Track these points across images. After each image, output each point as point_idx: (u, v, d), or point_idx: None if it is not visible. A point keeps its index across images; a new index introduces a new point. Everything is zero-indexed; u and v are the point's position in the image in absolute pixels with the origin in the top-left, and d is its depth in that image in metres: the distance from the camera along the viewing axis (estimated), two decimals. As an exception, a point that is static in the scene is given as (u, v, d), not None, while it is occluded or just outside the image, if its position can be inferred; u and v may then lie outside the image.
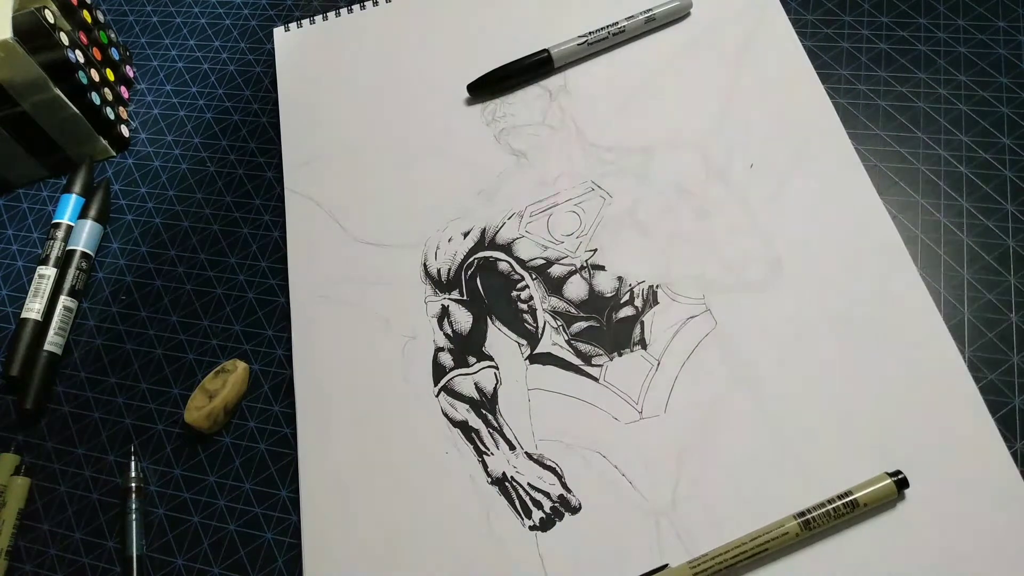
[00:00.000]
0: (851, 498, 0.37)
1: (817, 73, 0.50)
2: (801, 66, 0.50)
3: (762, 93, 0.50)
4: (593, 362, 0.43)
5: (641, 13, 0.51)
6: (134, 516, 0.44)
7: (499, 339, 0.45)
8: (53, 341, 0.50)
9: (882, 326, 0.41)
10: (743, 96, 0.50)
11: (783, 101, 0.49)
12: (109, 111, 0.57)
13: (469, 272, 0.47)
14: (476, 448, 0.42)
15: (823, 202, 0.46)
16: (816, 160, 0.47)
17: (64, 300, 0.51)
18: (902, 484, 0.37)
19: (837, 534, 0.37)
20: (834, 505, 0.37)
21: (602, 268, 0.46)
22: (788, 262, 0.44)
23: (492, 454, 0.42)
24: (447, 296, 0.47)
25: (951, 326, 0.41)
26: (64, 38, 0.53)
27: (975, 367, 0.41)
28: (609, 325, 0.44)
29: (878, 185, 0.46)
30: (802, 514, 0.37)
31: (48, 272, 0.52)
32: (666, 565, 0.37)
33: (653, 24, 0.49)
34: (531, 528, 0.40)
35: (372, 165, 0.52)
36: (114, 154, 0.58)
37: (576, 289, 0.46)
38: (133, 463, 0.46)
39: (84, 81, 0.54)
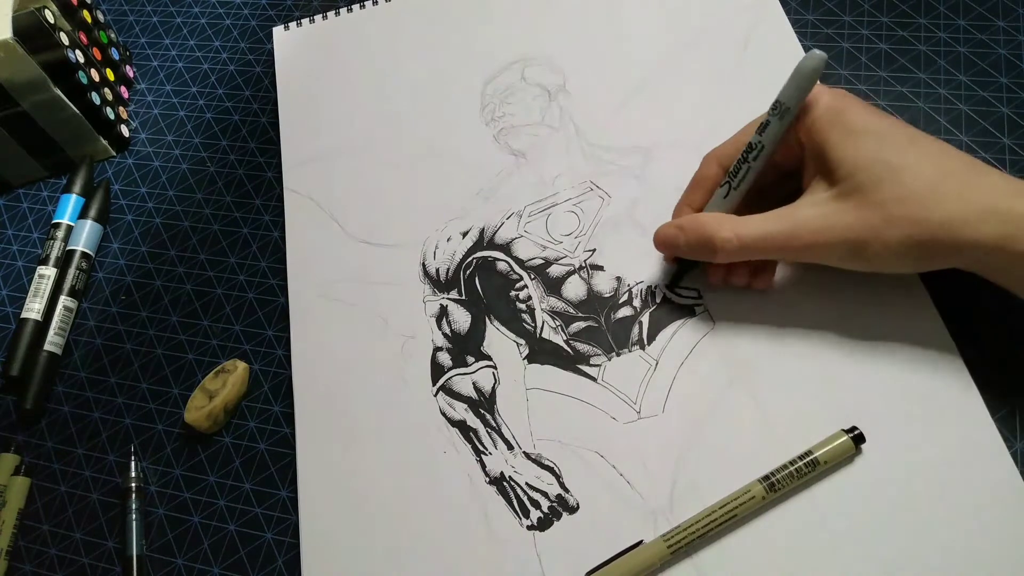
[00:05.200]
0: (811, 457, 0.38)
1: (816, 73, 0.50)
2: (800, 66, 0.50)
3: (761, 93, 0.50)
4: (591, 362, 0.43)
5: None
6: (134, 516, 0.45)
7: (498, 339, 0.45)
8: (53, 341, 0.50)
9: (881, 326, 0.41)
10: (742, 96, 0.50)
11: (782, 101, 0.49)
12: (109, 111, 0.57)
13: (468, 272, 0.47)
14: (474, 448, 0.42)
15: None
16: (815, 160, 0.47)
17: (64, 300, 0.51)
18: (858, 439, 0.38)
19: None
20: (796, 466, 0.38)
21: (601, 268, 0.46)
22: (785, 262, 0.44)
23: (490, 454, 0.42)
24: (446, 296, 0.47)
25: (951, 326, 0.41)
26: (64, 38, 0.53)
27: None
28: (608, 325, 0.44)
29: (877, 185, 0.46)
30: (767, 477, 0.38)
31: (48, 272, 0.52)
32: (641, 541, 0.38)
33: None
34: (529, 528, 0.40)
35: (371, 165, 0.52)
36: (114, 154, 0.58)
37: (575, 289, 0.46)
38: (133, 463, 0.46)
39: (84, 81, 0.54)
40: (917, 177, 0.35)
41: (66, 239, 0.54)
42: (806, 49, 0.50)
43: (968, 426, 0.38)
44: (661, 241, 0.42)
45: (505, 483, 0.41)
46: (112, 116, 0.57)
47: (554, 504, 0.40)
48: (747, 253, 0.39)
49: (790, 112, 0.39)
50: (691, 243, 0.41)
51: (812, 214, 0.37)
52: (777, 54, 0.51)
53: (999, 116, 0.48)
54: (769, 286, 0.42)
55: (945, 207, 0.34)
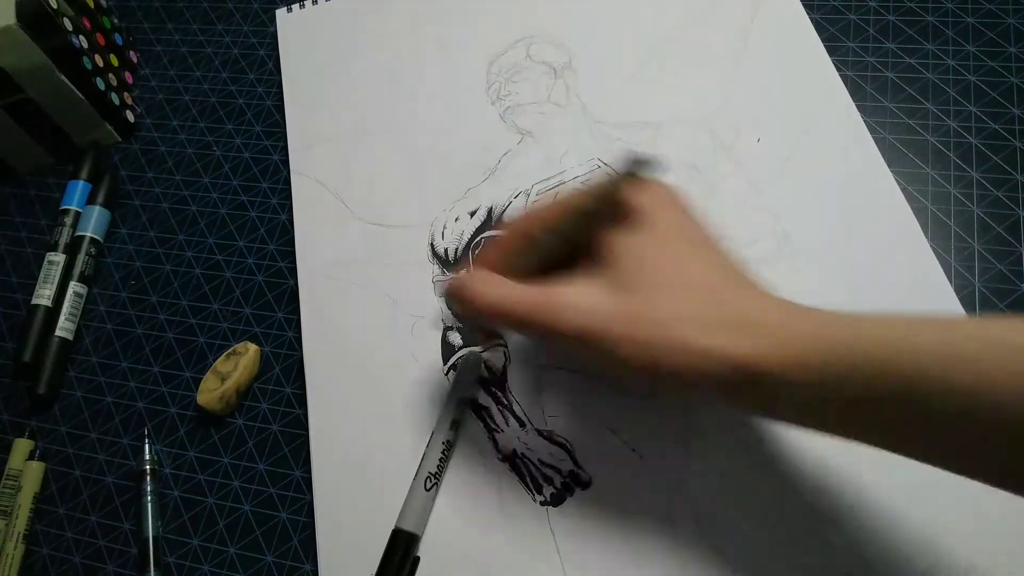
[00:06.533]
0: None
1: (824, 46, 0.49)
2: (808, 39, 0.50)
3: (769, 67, 0.49)
4: (602, 339, 0.43)
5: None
6: (149, 498, 0.45)
7: (508, 317, 0.45)
8: (64, 327, 0.50)
9: (892, 298, 0.41)
10: (750, 70, 0.50)
11: (790, 74, 0.49)
12: (114, 96, 0.57)
13: (476, 251, 0.47)
14: (486, 425, 0.42)
15: (831, 175, 0.45)
16: (824, 133, 0.47)
17: (74, 286, 0.52)
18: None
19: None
20: None
21: (610, 245, 0.46)
22: (797, 236, 0.44)
23: (502, 431, 0.42)
24: (455, 275, 0.47)
25: (962, 297, 0.41)
26: (67, 23, 0.53)
27: (986, 338, 0.41)
28: (618, 302, 0.44)
29: (887, 157, 0.45)
30: None
31: (57, 258, 0.53)
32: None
33: None
34: (542, 504, 0.40)
35: (377, 145, 0.52)
36: (120, 140, 0.58)
37: (584, 266, 0.45)
38: (147, 446, 0.46)
39: (88, 67, 0.54)
40: (678, 278, 0.32)
41: (74, 225, 0.54)
42: (814, 22, 0.50)
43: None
44: (442, 290, 0.40)
45: (518, 460, 0.41)
46: (117, 102, 0.57)
47: (567, 480, 0.40)
48: (497, 319, 0.35)
49: None
50: (451, 294, 0.37)
51: (571, 293, 0.34)
52: (784, 27, 0.51)
53: (1008, 86, 0.47)
54: None
55: (703, 318, 0.31)
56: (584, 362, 0.41)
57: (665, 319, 0.32)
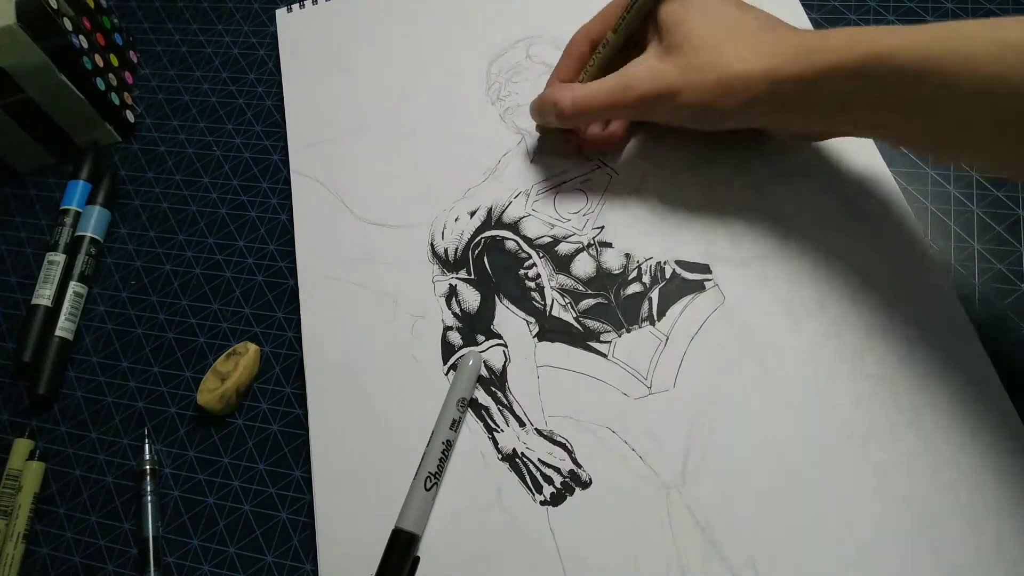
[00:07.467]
0: None
1: (824, 45, 0.49)
2: (808, 38, 0.50)
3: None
4: (602, 339, 0.43)
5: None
6: (149, 498, 0.45)
7: (507, 317, 0.45)
8: (64, 327, 0.50)
9: (892, 298, 0.41)
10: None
11: (790, 74, 0.49)
12: (114, 96, 0.57)
13: (476, 251, 0.47)
14: (486, 425, 0.42)
15: (831, 175, 0.45)
16: (824, 133, 0.47)
17: (74, 286, 0.52)
18: None
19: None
20: None
21: (609, 245, 0.46)
22: (796, 236, 0.44)
23: (502, 431, 0.42)
24: (455, 275, 0.47)
25: (961, 297, 0.41)
26: (68, 23, 0.53)
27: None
28: (617, 301, 0.44)
29: (886, 156, 0.45)
30: None
31: (57, 258, 0.53)
32: None
33: None
34: (542, 503, 0.40)
35: (377, 145, 0.52)
36: (120, 140, 0.58)
37: (584, 266, 0.45)
38: (147, 446, 0.46)
39: (88, 67, 0.54)
40: (715, 29, 0.40)
41: (74, 225, 0.54)
42: (813, 22, 0.50)
43: (980, 393, 0.38)
44: (530, 110, 0.47)
45: (518, 459, 0.41)
46: (117, 102, 0.57)
47: (567, 480, 0.40)
48: (585, 112, 0.43)
49: None
50: (538, 107, 0.46)
51: (640, 69, 0.42)
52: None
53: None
54: (619, 149, 0.48)
55: (735, 50, 0.39)
56: (657, 120, 0.44)
57: (714, 63, 0.39)
